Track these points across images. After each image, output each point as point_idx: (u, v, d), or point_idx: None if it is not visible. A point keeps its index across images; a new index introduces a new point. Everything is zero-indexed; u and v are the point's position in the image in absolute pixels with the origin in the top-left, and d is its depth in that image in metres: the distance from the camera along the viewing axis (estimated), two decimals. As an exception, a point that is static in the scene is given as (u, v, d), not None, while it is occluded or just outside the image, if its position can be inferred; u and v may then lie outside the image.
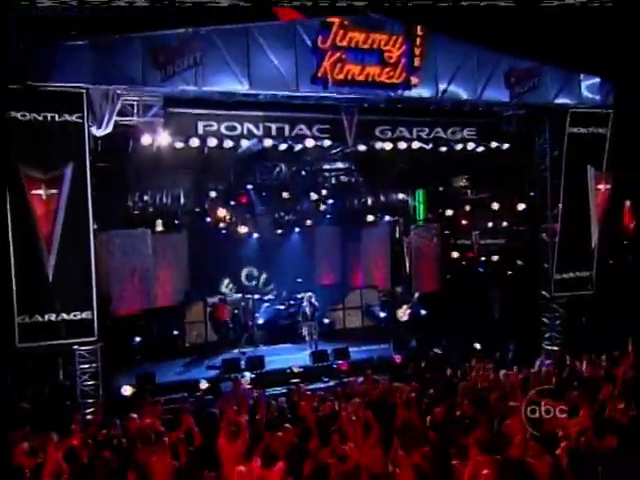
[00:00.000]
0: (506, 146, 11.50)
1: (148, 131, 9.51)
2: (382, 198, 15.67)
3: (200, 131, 9.77)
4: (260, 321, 14.13)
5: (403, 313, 13.62)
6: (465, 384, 8.76)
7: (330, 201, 15.10)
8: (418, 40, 9.83)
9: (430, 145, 11.13)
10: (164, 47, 8.77)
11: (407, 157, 11.71)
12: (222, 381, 10.83)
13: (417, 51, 9.84)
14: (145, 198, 12.75)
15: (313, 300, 13.18)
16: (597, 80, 11.17)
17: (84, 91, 8.49)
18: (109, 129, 8.94)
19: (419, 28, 9.83)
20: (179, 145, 9.90)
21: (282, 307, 14.58)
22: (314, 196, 14.60)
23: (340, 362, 11.78)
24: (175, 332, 13.13)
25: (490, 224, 14.43)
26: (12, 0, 7.84)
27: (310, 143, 10.44)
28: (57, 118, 8.42)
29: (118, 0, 8.32)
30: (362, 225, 15.61)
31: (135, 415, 7.68)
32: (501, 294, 13.82)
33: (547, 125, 11.37)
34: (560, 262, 11.51)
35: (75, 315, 8.65)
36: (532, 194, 12.38)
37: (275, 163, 13.35)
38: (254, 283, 14.70)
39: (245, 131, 9.97)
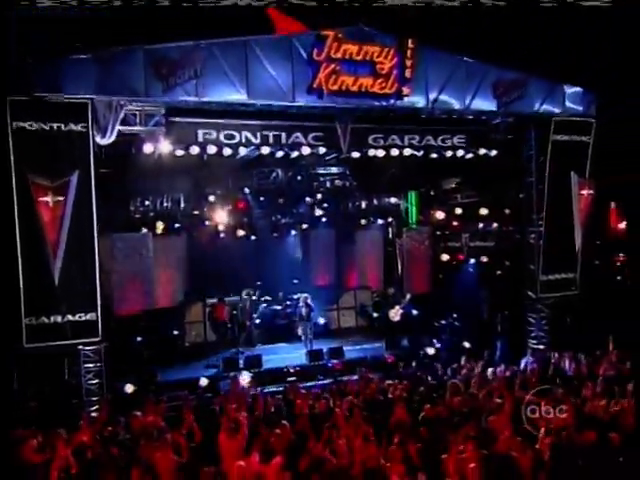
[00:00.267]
0: (494, 153, 11.73)
1: (150, 139, 9.71)
2: (375, 202, 15.91)
3: (200, 139, 9.97)
4: (258, 321, 14.24)
5: (395, 313, 13.68)
6: (454, 382, 8.96)
7: (325, 205, 15.32)
8: (409, 52, 10.03)
9: (421, 152, 11.35)
10: (166, 59, 8.95)
11: (399, 162, 11.91)
12: (221, 379, 11.02)
13: (408, 63, 10.05)
14: (146, 202, 12.93)
15: (309, 301, 13.37)
16: (580, 90, 11.44)
17: (89, 102, 8.68)
18: (113, 138, 9.08)
19: (410, 41, 10.03)
20: (180, 153, 10.08)
21: (279, 307, 14.79)
22: (309, 200, 14.85)
23: (335, 362, 11.95)
24: (175, 332, 13.24)
25: (479, 227, 14.62)
26: (12, 0, 8.00)
27: (306, 151, 10.63)
28: (63, 128, 8.61)
29: (118, 0, 8.40)
30: (356, 228, 15.88)
31: (138, 413, 7.87)
32: (490, 295, 13.97)
33: (532, 133, 11.60)
34: (545, 264, 11.69)
35: (80, 317, 8.83)
36: (520, 197, 12.54)
37: (272, 169, 13.54)
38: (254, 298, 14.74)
39: (243, 139, 10.19)
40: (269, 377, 11.30)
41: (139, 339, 12.22)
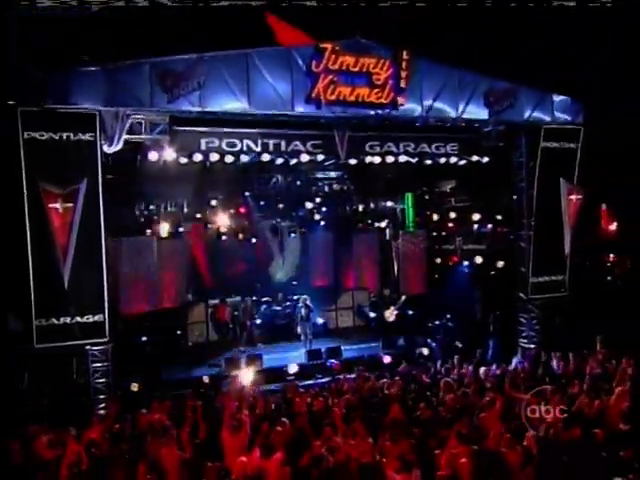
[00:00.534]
0: (486, 159, 12.04)
1: (155, 147, 10.03)
2: (372, 205, 16.23)
3: (203, 147, 10.30)
4: (258, 321, 14.46)
5: (390, 314, 13.90)
6: (448, 381, 9.11)
7: (323, 208, 15.62)
8: (404, 63, 10.36)
9: (416, 159, 11.66)
10: (171, 72, 9.27)
11: (395, 167, 12.18)
12: (223, 378, 11.25)
13: (403, 74, 10.37)
14: (151, 207, 13.25)
15: (308, 302, 13.62)
16: (568, 99, 11.77)
17: (97, 112, 8.99)
18: (119, 146, 9.37)
19: (405, 52, 10.36)
20: (183, 160, 10.39)
21: (279, 308, 15.05)
22: (308, 204, 15.14)
23: (333, 361, 12.18)
24: (178, 332, 13.43)
25: (472, 230, 14.87)
26: (12, 0, 8.20)
27: (305, 158, 10.94)
28: (72, 137, 8.90)
29: (118, 1, 8.61)
30: (353, 231, 16.10)
31: (144, 410, 8.14)
32: (482, 296, 14.21)
33: (523, 140, 11.91)
34: (535, 267, 11.96)
35: (88, 318, 9.09)
36: (512, 200, 12.74)
37: (272, 174, 13.82)
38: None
39: (245, 147, 10.51)
40: (270, 376, 11.54)
41: (144, 339, 12.41)
